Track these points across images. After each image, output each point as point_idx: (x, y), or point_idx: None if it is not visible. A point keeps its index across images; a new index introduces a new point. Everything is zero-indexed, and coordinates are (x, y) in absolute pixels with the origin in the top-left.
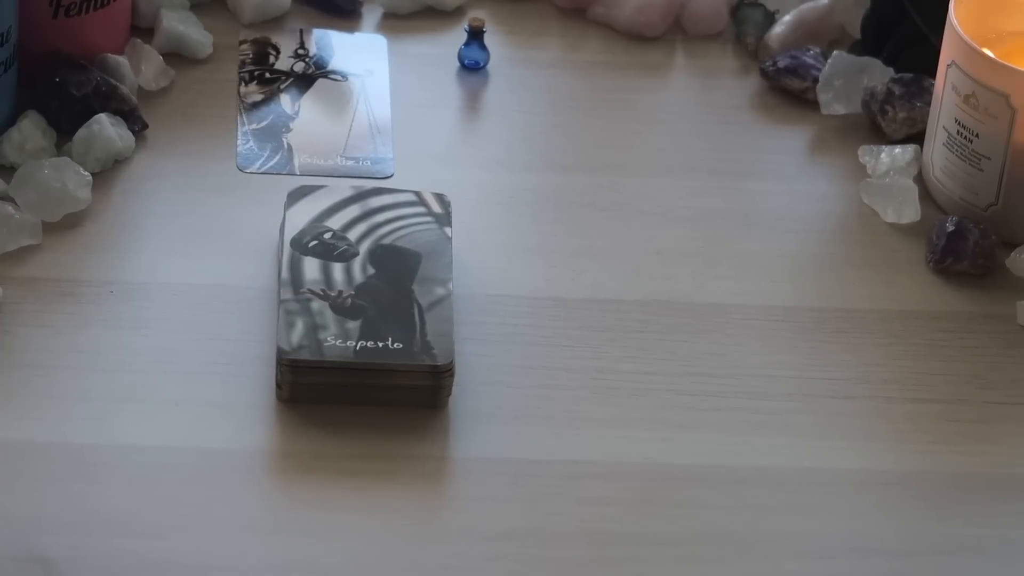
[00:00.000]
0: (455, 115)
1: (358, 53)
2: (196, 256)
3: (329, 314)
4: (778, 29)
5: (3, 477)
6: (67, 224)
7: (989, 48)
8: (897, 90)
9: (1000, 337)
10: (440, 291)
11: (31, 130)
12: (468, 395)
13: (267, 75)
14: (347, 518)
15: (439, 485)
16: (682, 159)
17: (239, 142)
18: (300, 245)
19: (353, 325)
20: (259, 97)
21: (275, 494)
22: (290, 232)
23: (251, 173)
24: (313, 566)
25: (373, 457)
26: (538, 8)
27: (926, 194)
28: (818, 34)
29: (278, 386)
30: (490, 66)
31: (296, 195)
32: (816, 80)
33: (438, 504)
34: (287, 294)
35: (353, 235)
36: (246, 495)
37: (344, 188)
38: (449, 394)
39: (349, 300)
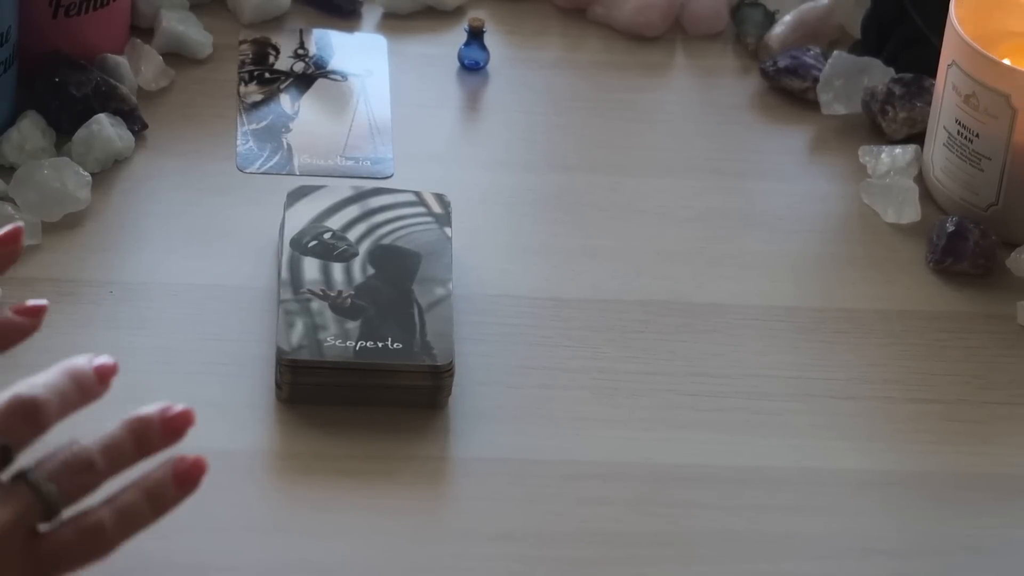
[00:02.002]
0: (455, 115)
1: (358, 53)
2: (196, 256)
3: (329, 314)
4: (778, 29)
5: None
6: (67, 224)
7: (989, 48)
8: (897, 90)
9: (1000, 337)
10: (440, 291)
11: (31, 130)
12: (468, 395)
13: (267, 75)
14: (347, 518)
15: (439, 485)
16: (682, 159)
17: (239, 142)
18: (300, 245)
19: (353, 325)
20: (259, 97)
21: (275, 494)
22: (290, 232)
23: (251, 173)
24: (313, 566)
25: (373, 457)
26: (538, 8)
27: (926, 194)
28: (818, 34)
29: (278, 386)
30: (490, 66)
31: (296, 195)
32: (816, 80)
33: (438, 504)
34: (287, 294)
35: (353, 235)
36: (246, 495)
37: (344, 188)
38: (449, 394)
39: (349, 300)
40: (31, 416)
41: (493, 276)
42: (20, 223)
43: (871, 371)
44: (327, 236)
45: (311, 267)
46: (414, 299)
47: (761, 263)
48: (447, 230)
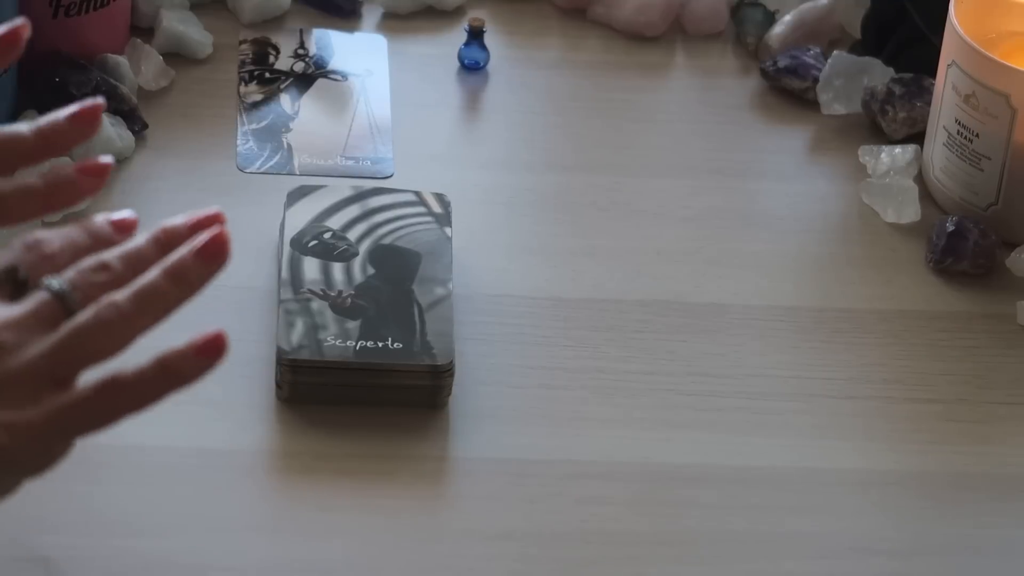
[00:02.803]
0: (455, 115)
1: (358, 53)
2: None
3: (329, 314)
4: (778, 29)
5: None
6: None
7: (989, 48)
8: (897, 90)
9: (1000, 337)
10: (440, 291)
11: None
12: (468, 395)
13: (267, 75)
14: (347, 518)
15: (439, 485)
16: (682, 159)
17: (239, 142)
18: (300, 245)
19: (353, 325)
20: (259, 97)
21: (275, 494)
22: (290, 232)
23: (251, 173)
24: (313, 566)
25: (373, 457)
26: (538, 8)
27: (926, 194)
28: (818, 34)
29: (278, 386)
30: (490, 66)
31: (296, 195)
32: (816, 80)
33: (438, 504)
34: (287, 294)
35: (353, 235)
36: (246, 495)
37: (344, 188)
38: (449, 394)
39: (349, 300)
40: (33, 247)
41: (493, 276)
42: (22, 22)
43: (870, 371)
44: (327, 236)
45: (311, 267)
46: (414, 299)
47: (761, 263)
48: (447, 230)
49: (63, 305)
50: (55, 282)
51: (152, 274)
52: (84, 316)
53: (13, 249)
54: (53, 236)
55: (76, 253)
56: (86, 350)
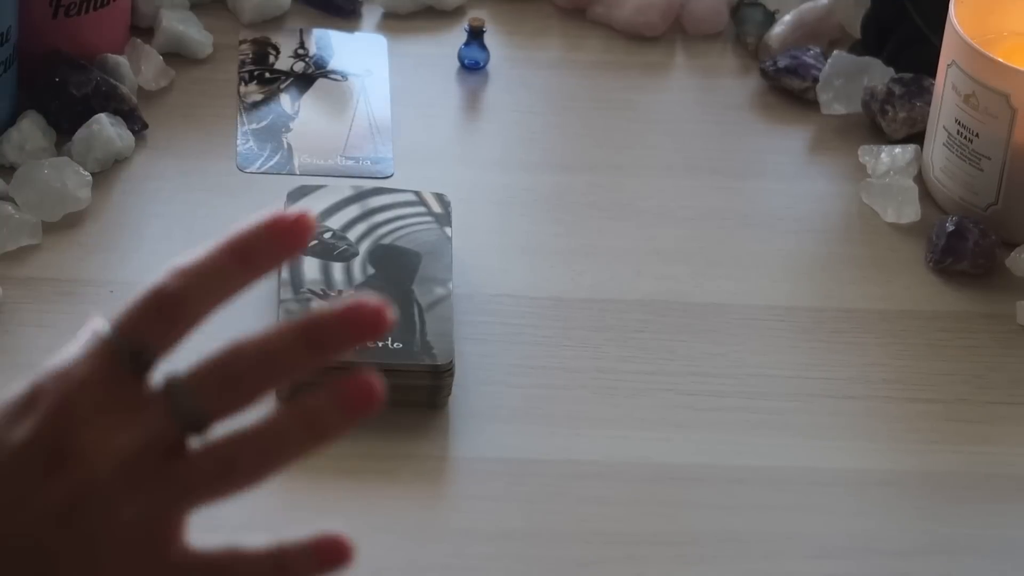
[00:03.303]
0: (455, 115)
1: (358, 53)
2: None
3: None
4: (778, 29)
5: None
6: (67, 224)
7: (989, 48)
8: (897, 90)
9: (1000, 337)
10: (440, 291)
11: (31, 130)
12: (468, 395)
13: (267, 75)
14: (347, 518)
15: (439, 485)
16: (682, 159)
17: (239, 142)
18: None
19: None
20: (259, 97)
21: (275, 494)
22: None
23: (251, 173)
24: None
25: (373, 457)
26: (538, 8)
27: (926, 194)
28: (818, 34)
29: None
30: (490, 66)
31: (296, 195)
32: (816, 80)
33: (438, 504)
34: (287, 294)
35: (353, 235)
36: (246, 495)
37: (344, 188)
38: (449, 394)
39: None
40: (168, 306)
41: (493, 276)
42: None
43: (871, 371)
44: (327, 236)
45: (311, 267)
46: (414, 299)
47: (761, 263)
48: (447, 230)
49: (184, 424)
50: (183, 400)
51: (288, 420)
52: (206, 463)
53: (138, 307)
54: (184, 283)
55: (215, 291)
56: (200, 493)
